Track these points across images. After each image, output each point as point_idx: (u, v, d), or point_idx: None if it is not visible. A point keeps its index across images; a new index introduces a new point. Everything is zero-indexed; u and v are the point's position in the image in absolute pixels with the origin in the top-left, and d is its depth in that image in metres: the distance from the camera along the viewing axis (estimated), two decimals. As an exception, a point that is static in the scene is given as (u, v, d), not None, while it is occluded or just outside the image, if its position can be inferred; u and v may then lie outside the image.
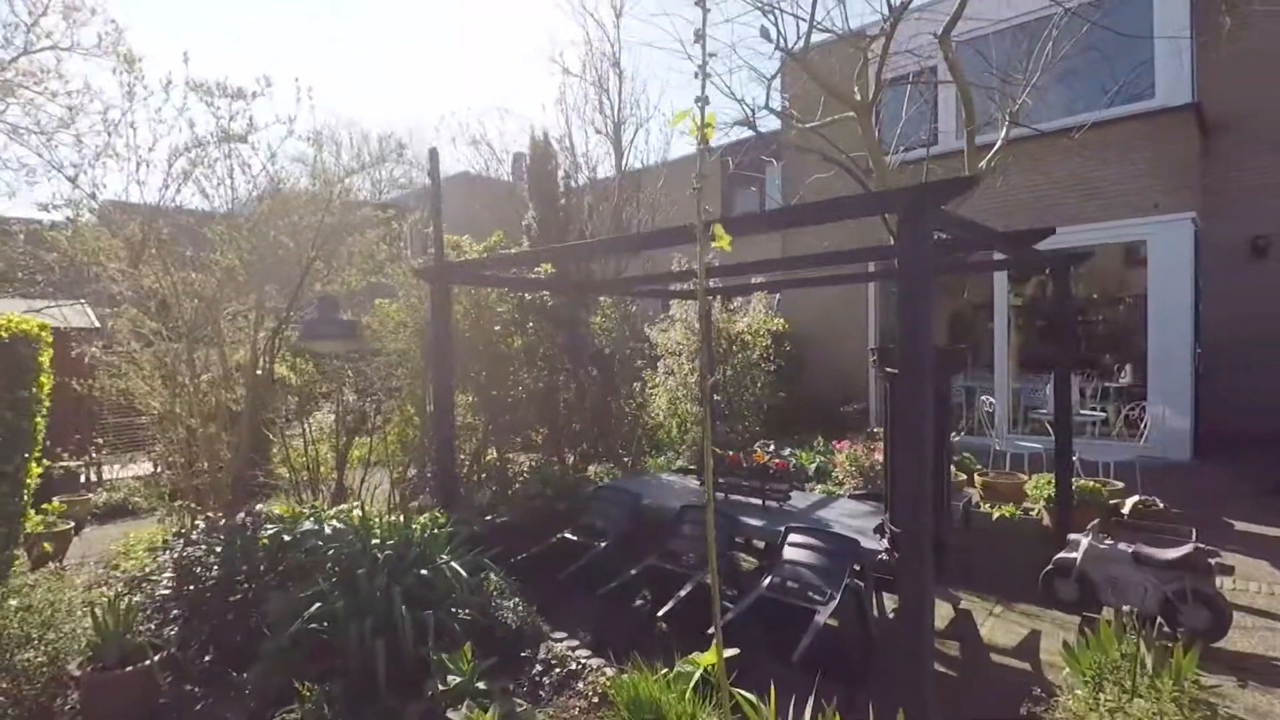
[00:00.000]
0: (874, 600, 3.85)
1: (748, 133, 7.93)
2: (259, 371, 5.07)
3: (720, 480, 4.88)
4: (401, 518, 3.79)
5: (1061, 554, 3.98)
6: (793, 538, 3.96)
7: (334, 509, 4.19)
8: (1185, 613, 3.48)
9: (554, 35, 36.32)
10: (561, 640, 3.52)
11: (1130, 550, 3.69)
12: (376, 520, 3.85)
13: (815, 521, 4.32)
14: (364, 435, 6.26)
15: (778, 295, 10.58)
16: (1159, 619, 3.52)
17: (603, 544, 4.58)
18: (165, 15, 35.50)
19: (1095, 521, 4.00)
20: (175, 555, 3.79)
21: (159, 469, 7.92)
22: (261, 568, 3.83)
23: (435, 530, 3.66)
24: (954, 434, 8.70)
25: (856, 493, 5.05)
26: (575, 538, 4.78)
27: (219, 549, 3.80)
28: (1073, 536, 3.99)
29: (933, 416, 2.46)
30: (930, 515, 2.43)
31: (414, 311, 6.35)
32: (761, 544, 4.60)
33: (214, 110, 4.46)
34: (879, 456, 6.17)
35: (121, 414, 8.35)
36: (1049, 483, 5.33)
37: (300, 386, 6.12)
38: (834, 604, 3.53)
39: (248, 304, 5.25)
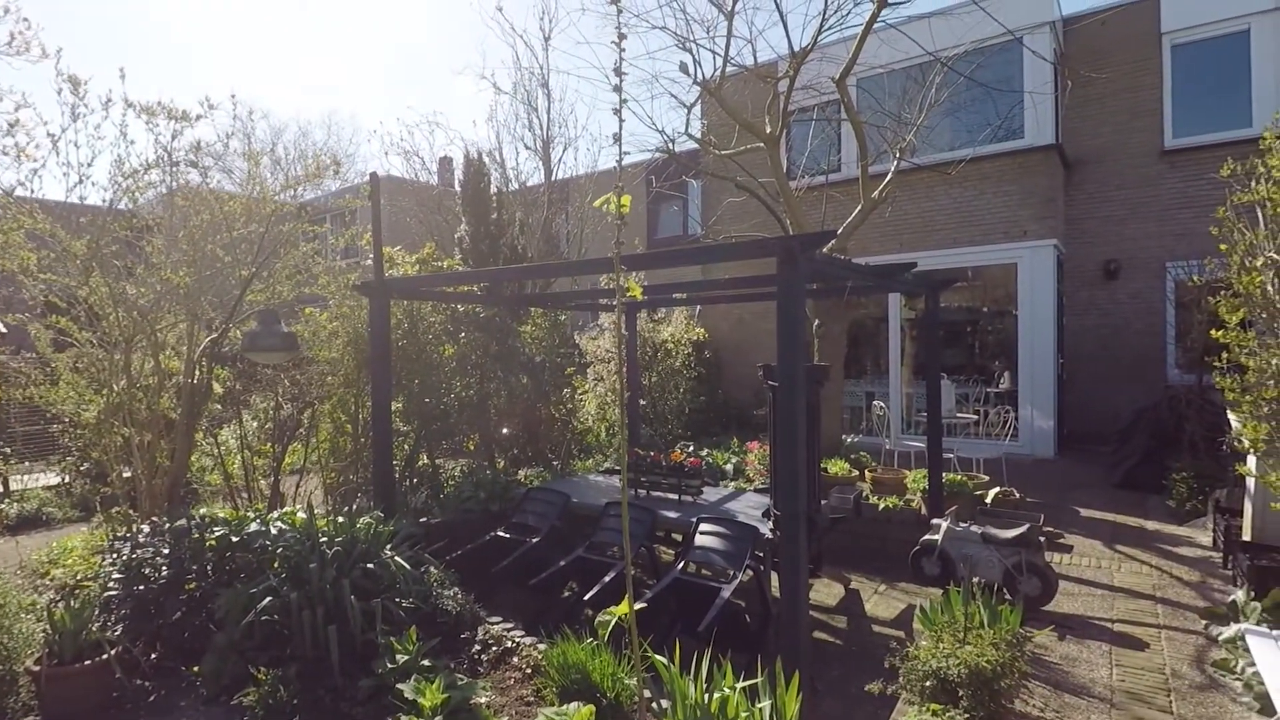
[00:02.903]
0: (770, 579, 4.44)
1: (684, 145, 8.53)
2: (194, 380, 5.21)
3: (642, 478, 5.38)
4: (344, 519, 4.09)
5: (926, 536, 4.70)
6: (703, 527, 4.50)
7: (275, 513, 4.44)
8: (1022, 582, 4.24)
9: (485, 52, 36.26)
10: (497, 623, 3.92)
11: (980, 531, 4.44)
12: (323, 521, 4.14)
13: (724, 512, 4.89)
14: (297, 442, 6.43)
15: (698, 307, 11.24)
16: (1001, 588, 4.28)
17: (534, 540, 4.99)
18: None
19: (954, 508, 4.75)
20: (124, 557, 3.96)
21: (68, 479, 7.75)
22: (210, 567, 4.05)
23: (378, 530, 3.99)
24: (851, 435, 9.58)
25: (762, 487, 5.66)
26: (508, 535, 5.17)
27: (167, 550, 4.00)
28: (935, 521, 4.71)
29: (805, 421, 3.04)
30: (804, 499, 3.00)
31: (346, 320, 6.56)
32: (679, 536, 5.14)
33: (154, 130, 4.62)
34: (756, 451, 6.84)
35: (32, 423, 8.10)
36: (923, 477, 6.12)
37: (223, 395, 6.23)
38: (735, 582, 4.09)
39: (182, 315, 5.37)
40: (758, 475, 6.99)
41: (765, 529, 4.35)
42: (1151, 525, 6.27)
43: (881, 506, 6.15)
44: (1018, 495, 6.01)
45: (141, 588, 3.84)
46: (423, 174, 9.82)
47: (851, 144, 10.53)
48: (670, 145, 7.60)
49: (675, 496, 5.23)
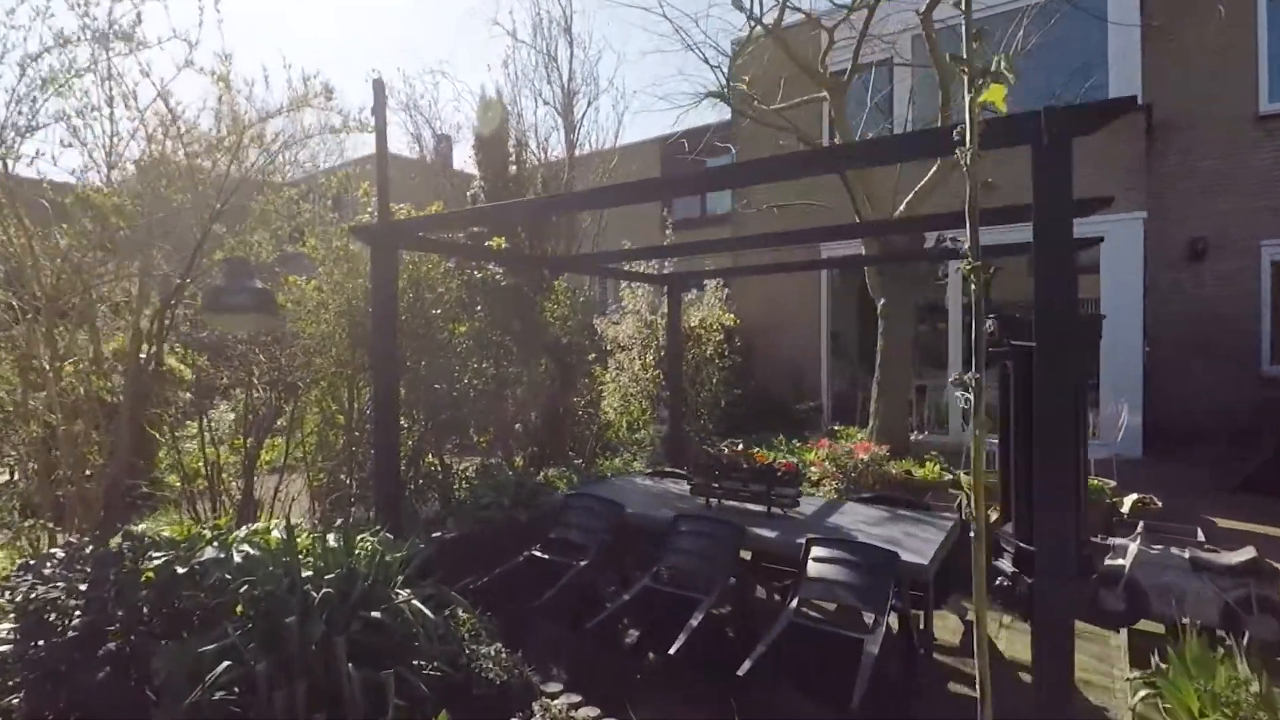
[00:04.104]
0: (920, 624, 3.33)
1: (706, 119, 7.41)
2: (143, 356, 4.01)
3: (714, 485, 4.26)
4: (341, 539, 2.93)
5: (1106, 561, 3.61)
6: (817, 551, 3.39)
7: (243, 529, 3.27)
8: (1250, 623, 3.16)
9: (498, -4, 34.30)
10: (559, 695, 2.78)
11: (1186, 555, 3.36)
12: (307, 539, 2.98)
13: (833, 531, 3.77)
14: (276, 436, 5.24)
15: (727, 289, 10.13)
16: (1217, 631, 3.20)
17: (581, 562, 3.86)
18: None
19: (1141, 525, 3.66)
20: (19, 597, 2.78)
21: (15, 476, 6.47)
22: (145, 610, 2.88)
23: (385, 559, 2.83)
24: (918, 432, 8.51)
25: (863, 496, 4.57)
26: (546, 555, 4.04)
27: (84, 586, 2.82)
28: (1117, 542, 3.62)
29: (1074, 410, 1.94)
30: (1073, 533, 1.89)
31: (338, 290, 5.38)
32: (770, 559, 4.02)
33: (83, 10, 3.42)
34: (863, 455, 5.76)
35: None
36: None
37: (191, 380, 5.03)
38: (882, 632, 2.98)
39: (130, 270, 4.18)
40: (826, 478, 5.90)
41: (907, 554, 3.24)
42: None
43: (995, 518, 5.07)
44: (1159, 503, 4.94)
45: (43, 642, 2.67)
46: (425, 132, 8.63)
47: (902, 105, 9.47)
48: (725, 86, 6.46)
49: (761, 509, 4.11)
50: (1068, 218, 1.96)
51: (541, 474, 6.47)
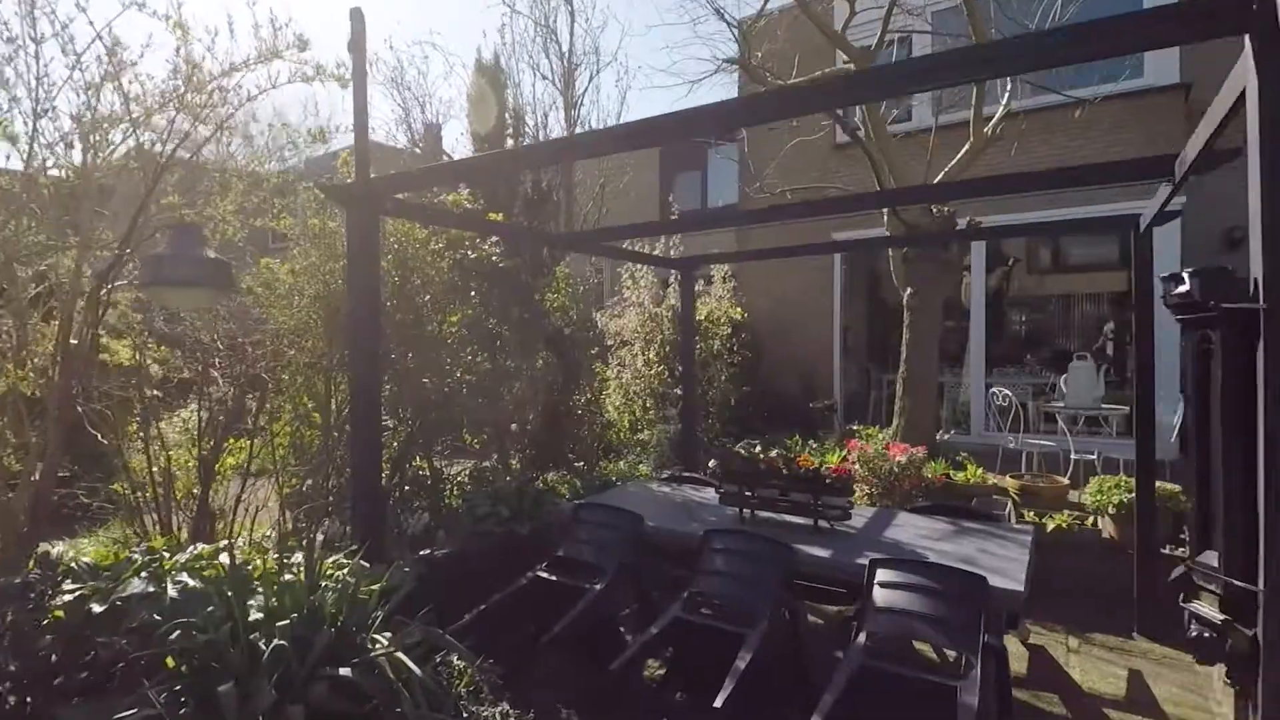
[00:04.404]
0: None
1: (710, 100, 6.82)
2: (74, 341, 3.38)
3: (749, 494, 3.67)
4: (300, 569, 2.32)
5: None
6: (885, 575, 2.82)
7: (188, 551, 2.65)
8: None
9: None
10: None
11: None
12: (259, 570, 2.37)
13: (896, 549, 3.21)
14: (242, 437, 4.61)
15: (734, 282, 9.57)
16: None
17: (596, 585, 3.27)
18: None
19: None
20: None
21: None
22: (54, 659, 2.26)
23: (357, 594, 2.22)
24: (945, 431, 7.98)
25: (919, 505, 4.02)
26: (554, 577, 3.45)
27: (-32, 632, 2.20)
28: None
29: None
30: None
31: (313, 273, 4.77)
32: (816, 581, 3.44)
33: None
34: (900, 457, 5.20)
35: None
36: (1117, 486, 4.51)
37: (158, 376, 4.39)
38: (977, 675, 2.41)
39: (68, 243, 3.54)
40: (860, 484, 5.34)
41: (998, 579, 2.68)
42: None
43: (1051, 527, 4.54)
44: (1237, 513, 4.41)
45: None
46: (413, 110, 7.98)
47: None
48: (745, 54, 5.88)
49: (806, 521, 3.53)
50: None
51: (541, 479, 5.88)
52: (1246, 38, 1.54)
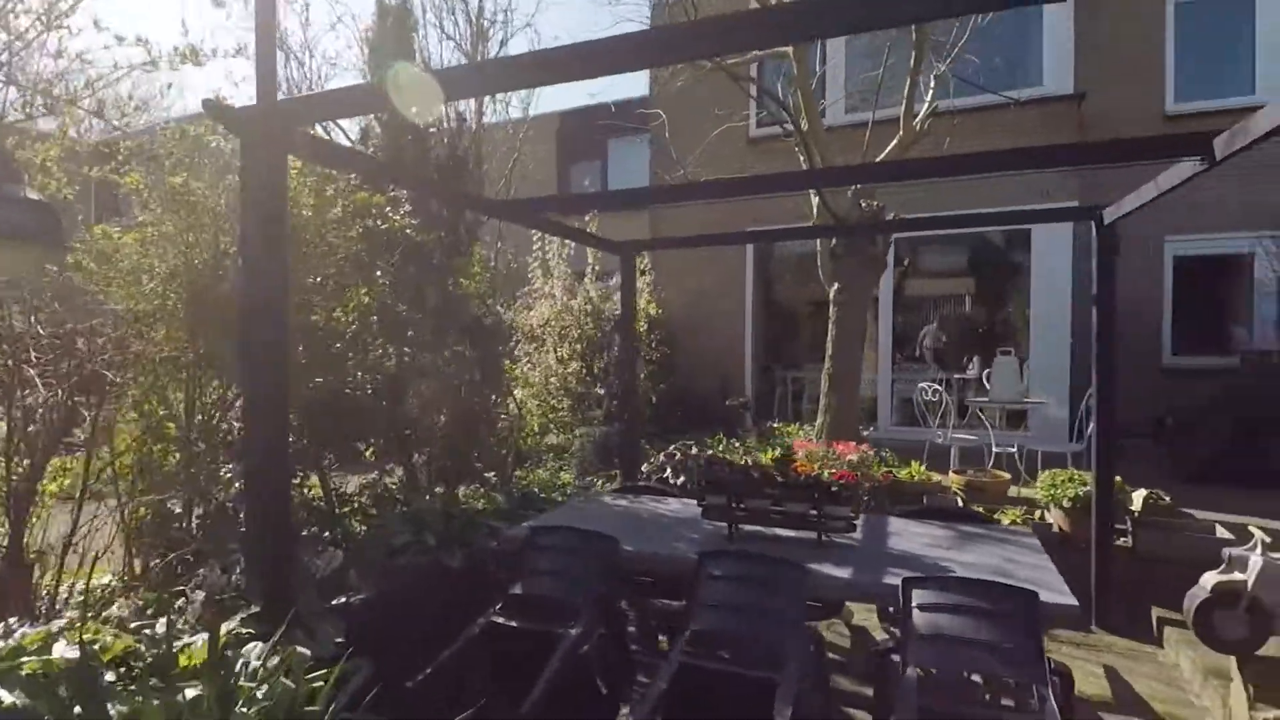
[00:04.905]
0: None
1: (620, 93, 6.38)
2: None
3: (739, 507, 3.21)
4: (190, 652, 1.54)
5: (1219, 577, 3.00)
6: (924, 597, 2.45)
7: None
8: None
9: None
10: None
11: (1329, 569, 2.81)
12: (126, 645, 1.57)
13: (909, 562, 2.87)
14: (70, 453, 3.50)
15: (650, 276, 9.16)
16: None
17: (572, 629, 2.66)
18: None
19: (1258, 536, 3.08)
20: None
21: None
22: None
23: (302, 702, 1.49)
24: (869, 426, 8.00)
25: (907, 509, 3.75)
26: (515, 622, 2.80)
27: None
28: (1235, 552, 3.03)
29: None
30: None
31: (170, 244, 3.76)
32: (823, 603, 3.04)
33: None
34: (851, 456, 4.98)
35: None
36: (1070, 480, 4.53)
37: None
38: (1051, 706, 2.10)
39: None
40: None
41: (1049, 594, 2.39)
42: None
43: (1006, 522, 4.48)
44: (1168, 500, 4.58)
45: None
46: (292, 72, 6.70)
47: (836, 85, 9.00)
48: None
49: (802, 535, 3.12)
50: None
51: (452, 494, 5.11)
52: None
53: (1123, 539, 4.43)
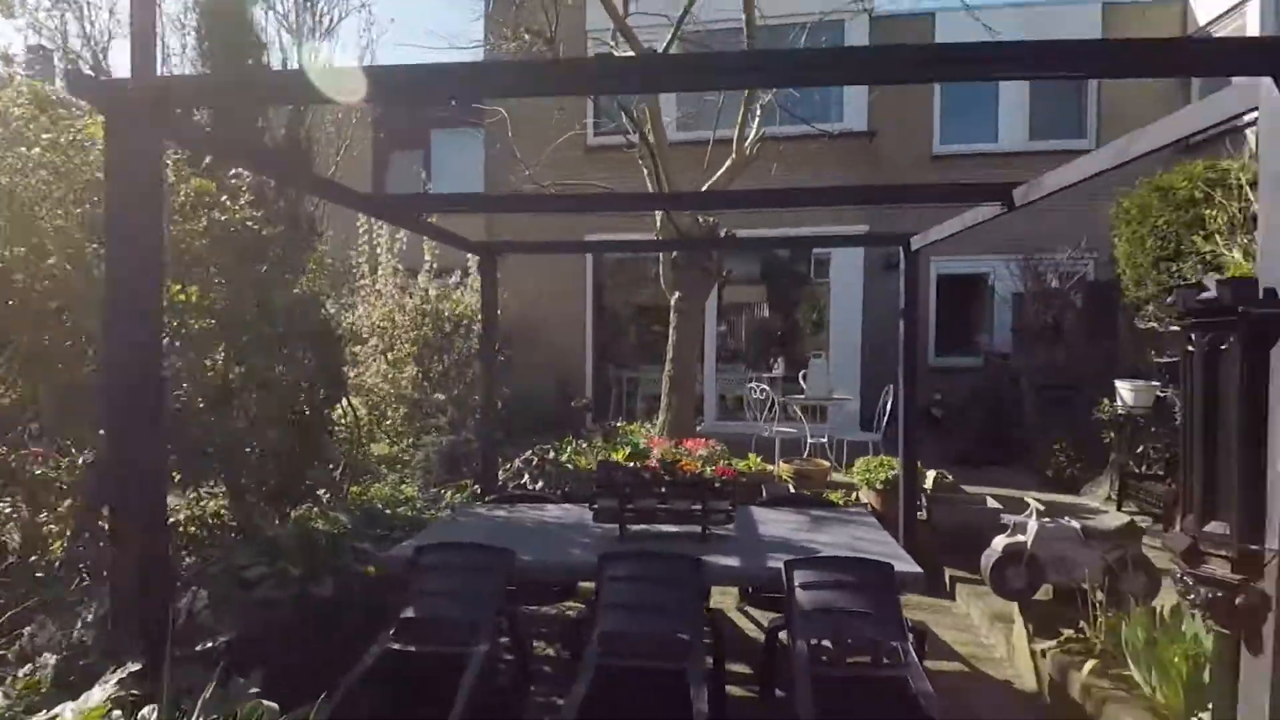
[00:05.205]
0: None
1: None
2: None
3: (629, 508, 3.34)
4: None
5: (1007, 540, 3.74)
6: (804, 577, 2.78)
7: None
8: (1125, 580, 3.52)
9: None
10: None
11: (1078, 526, 3.62)
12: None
13: (781, 545, 3.21)
14: None
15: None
16: (1097, 590, 3.49)
17: (479, 648, 2.61)
18: None
19: (1032, 505, 3.88)
20: None
21: None
22: None
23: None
24: (701, 420, 8.53)
25: (762, 500, 4.12)
26: (413, 647, 2.67)
27: None
28: (1016, 519, 3.79)
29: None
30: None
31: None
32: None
33: None
34: (701, 451, 5.35)
35: None
36: (881, 465, 5.30)
37: None
38: (915, 661, 2.52)
39: None
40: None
41: (901, 564, 2.84)
42: (1060, 498, 6.30)
43: (842, 502, 5.13)
44: (950, 478, 5.55)
45: None
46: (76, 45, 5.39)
47: (669, 105, 9.49)
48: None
49: (686, 530, 3.34)
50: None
51: (289, 515, 4.64)
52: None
53: (920, 513, 5.28)
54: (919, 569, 2.88)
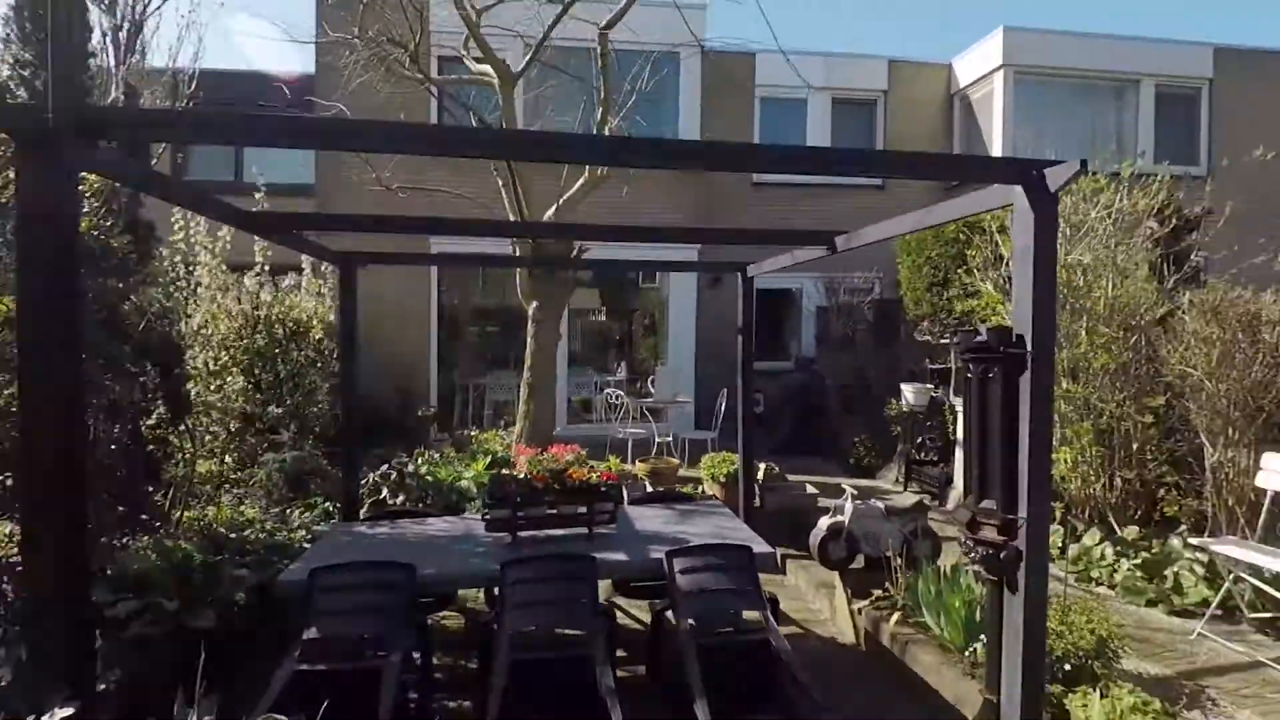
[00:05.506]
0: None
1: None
2: None
3: (521, 516, 3.59)
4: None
5: (829, 520, 4.52)
6: (682, 563, 3.25)
7: None
8: (917, 546, 4.45)
9: None
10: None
11: (882, 505, 4.49)
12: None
13: (657, 539, 3.66)
14: None
15: (331, 280, 8.46)
16: (899, 555, 4.39)
17: (393, 658, 2.75)
18: None
19: (848, 490, 4.70)
20: None
21: None
22: None
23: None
24: (559, 426, 8.78)
25: (634, 497, 4.52)
26: (323, 665, 2.73)
27: None
28: (834, 503, 4.58)
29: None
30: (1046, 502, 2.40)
31: None
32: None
33: None
34: (568, 456, 5.69)
35: None
36: (723, 461, 5.99)
37: None
38: (773, 623, 3.10)
39: None
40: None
41: (758, 546, 3.41)
42: (861, 482, 7.42)
43: (700, 496, 5.72)
44: (778, 469, 6.41)
45: None
46: None
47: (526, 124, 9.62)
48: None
49: (572, 532, 3.66)
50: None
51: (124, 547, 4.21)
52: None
53: (755, 501, 6.07)
54: (771, 549, 3.47)
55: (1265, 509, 4.13)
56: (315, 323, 7.72)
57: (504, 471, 3.86)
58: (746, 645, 3.06)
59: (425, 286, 9.62)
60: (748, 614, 3.19)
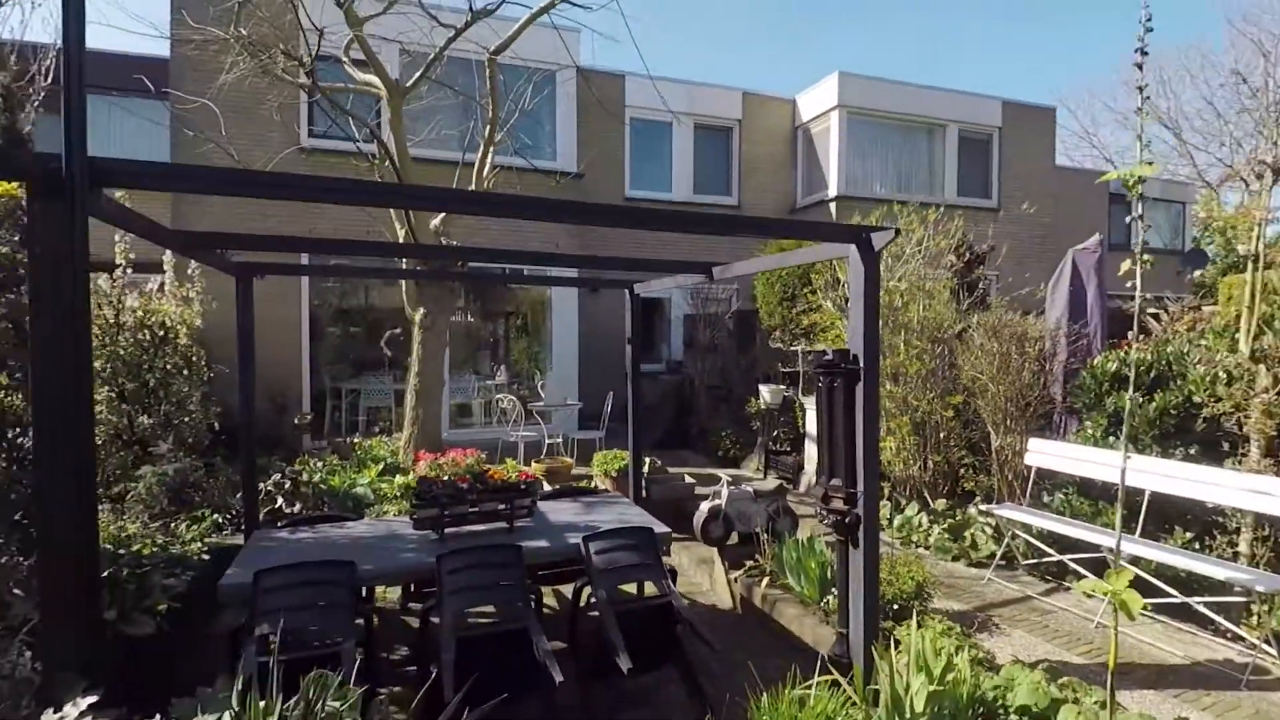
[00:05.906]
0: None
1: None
2: None
3: (447, 514, 3.96)
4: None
5: (709, 504, 5.27)
6: (597, 546, 3.82)
7: None
8: (779, 523, 5.32)
9: None
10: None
11: (751, 490, 5.32)
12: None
13: (571, 528, 4.19)
14: None
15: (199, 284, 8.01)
16: (766, 531, 5.25)
17: (347, 645, 3.08)
18: None
19: (724, 478, 5.47)
20: None
21: None
22: None
23: None
24: (444, 430, 8.90)
25: (545, 493, 4.96)
26: (284, 656, 2.99)
27: None
28: (715, 489, 5.34)
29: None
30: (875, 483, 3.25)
31: None
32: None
33: None
34: (469, 459, 6.02)
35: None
36: (614, 458, 6.59)
37: None
38: (674, 589, 3.75)
39: None
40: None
41: (659, 527, 4.06)
42: (728, 471, 8.25)
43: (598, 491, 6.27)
44: (660, 463, 7.14)
45: None
46: None
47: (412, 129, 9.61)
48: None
49: (492, 526, 4.09)
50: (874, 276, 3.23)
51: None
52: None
53: (643, 492, 6.75)
54: (669, 529, 4.13)
55: (1031, 481, 5.42)
56: (181, 328, 7.36)
57: (428, 474, 4.19)
58: (653, 608, 3.67)
59: (297, 291, 9.35)
60: (650, 586, 3.83)
